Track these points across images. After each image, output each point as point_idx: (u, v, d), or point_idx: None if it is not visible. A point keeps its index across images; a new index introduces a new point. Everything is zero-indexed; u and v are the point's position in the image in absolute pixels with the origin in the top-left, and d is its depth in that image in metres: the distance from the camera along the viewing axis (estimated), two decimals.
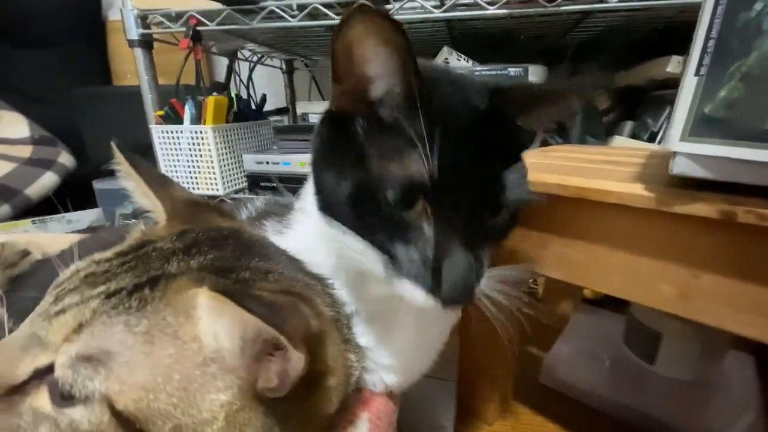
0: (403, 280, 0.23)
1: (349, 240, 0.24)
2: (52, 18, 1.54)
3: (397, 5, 0.64)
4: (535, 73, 0.67)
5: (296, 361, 0.17)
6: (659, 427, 0.45)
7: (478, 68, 0.71)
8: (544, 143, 0.75)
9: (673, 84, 0.71)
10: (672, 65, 0.69)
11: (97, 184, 1.23)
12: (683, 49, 0.72)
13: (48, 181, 1.22)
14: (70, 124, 1.39)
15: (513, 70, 0.68)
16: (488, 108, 0.25)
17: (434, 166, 0.22)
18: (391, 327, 0.29)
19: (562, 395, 0.50)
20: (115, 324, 0.17)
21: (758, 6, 0.20)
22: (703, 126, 0.22)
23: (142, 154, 1.07)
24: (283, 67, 1.28)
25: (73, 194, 1.27)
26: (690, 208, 0.24)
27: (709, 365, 0.48)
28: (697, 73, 0.23)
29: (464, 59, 0.78)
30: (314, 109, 1.22)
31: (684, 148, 0.23)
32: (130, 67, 1.64)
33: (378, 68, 0.23)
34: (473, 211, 0.24)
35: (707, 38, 0.22)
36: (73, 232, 0.99)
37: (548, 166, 0.36)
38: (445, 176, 0.22)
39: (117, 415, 0.16)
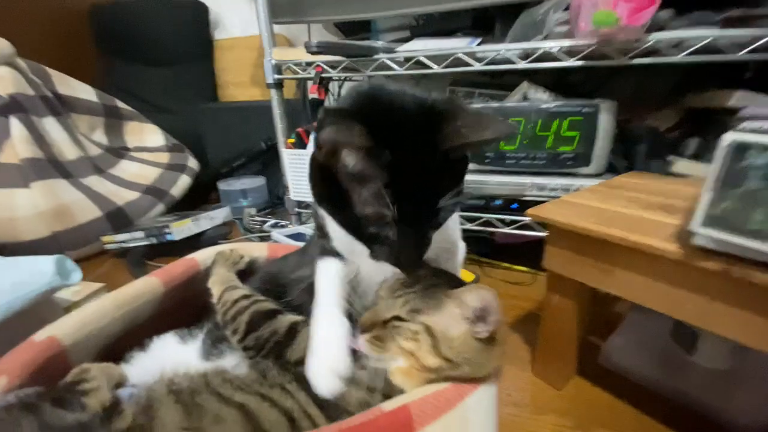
0: (380, 262, 0.37)
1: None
2: (174, 41, 1.83)
3: (487, 60, 0.79)
4: (606, 110, 0.79)
5: (495, 323, 0.34)
6: (697, 405, 0.58)
7: (555, 103, 0.84)
8: (612, 168, 0.87)
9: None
10: (734, 100, 0.78)
11: (221, 185, 1.51)
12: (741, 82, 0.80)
13: (183, 182, 1.52)
14: (192, 133, 1.67)
15: (586, 109, 0.80)
16: (436, 150, 0.33)
17: (395, 210, 0.32)
18: None
19: (617, 375, 0.66)
20: (423, 301, 0.36)
21: (745, 163, 0.34)
22: (713, 220, 0.38)
23: (254, 158, 1.35)
24: None
25: (195, 193, 1.57)
26: (704, 264, 0.40)
27: (740, 357, 0.62)
28: (710, 190, 0.37)
29: (542, 91, 0.92)
30: None
31: (702, 231, 0.38)
32: (232, 78, 1.91)
33: (349, 158, 0.33)
34: (424, 224, 0.35)
35: (717, 178, 0.37)
36: (214, 227, 1.27)
37: (613, 218, 0.52)
38: (405, 210, 0.32)
39: (427, 329, 0.34)
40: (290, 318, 0.44)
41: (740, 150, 0.35)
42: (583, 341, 0.70)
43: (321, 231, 0.44)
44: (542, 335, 0.63)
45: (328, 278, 0.43)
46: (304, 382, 0.36)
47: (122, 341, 0.54)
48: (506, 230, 0.91)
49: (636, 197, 0.60)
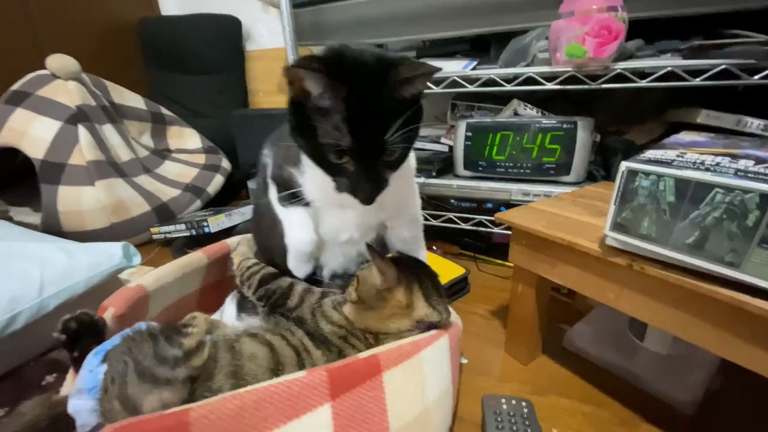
0: (342, 193, 0.47)
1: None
2: (211, 52, 2.02)
3: (479, 82, 0.91)
4: (583, 127, 0.90)
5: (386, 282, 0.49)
6: (644, 384, 0.67)
7: (539, 119, 0.95)
8: (591, 176, 0.98)
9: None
10: (701, 117, 0.87)
11: (250, 184, 1.69)
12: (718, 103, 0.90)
13: (218, 181, 1.71)
14: (226, 136, 1.85)
15: (566, 125, 0.91)
16: (384, 90, 0.42)
17: (351, 139, 0.42)
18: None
19: (577, 356, 0.77)
20: (367, 265, 0.53)
21: (635, 184, 0.46)
22: (617, 226, 0.50)
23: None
24: None
25: (227, 190, 1.75)
26: (614, 259, 0.52)
27: (682, 344, 0.72)
28: (614, 203, 0.49)
29: (529, 108, 1.03)
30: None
31: (610, 234, 0.50)
32: (261, 86, 2.09)
33: (311, 86, 0.42)
34: (376, 157, 0.44)
35: (617, 194, 0.49)
36: (244, 221, 1.44)
37: (561, 222, 0.64)
38: (359, 141, 0.42)
39: (357, 277, 0.53)
40: (289, 279, 0.60)
41: (631, 174, 0.47)
42: (552, 327, 0.82)
43: (291, 182, 0.55)
44: (511, 318, 0.76)
45: (296, 216, 0.57)
46: (300, 323, 0.52)
47: (179, 306, 0.72)
48: (495, 230, 1.03)
49: (591, 204, 0.71)
